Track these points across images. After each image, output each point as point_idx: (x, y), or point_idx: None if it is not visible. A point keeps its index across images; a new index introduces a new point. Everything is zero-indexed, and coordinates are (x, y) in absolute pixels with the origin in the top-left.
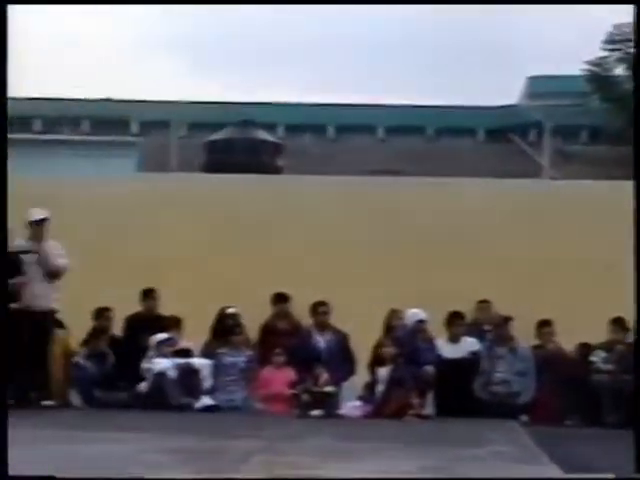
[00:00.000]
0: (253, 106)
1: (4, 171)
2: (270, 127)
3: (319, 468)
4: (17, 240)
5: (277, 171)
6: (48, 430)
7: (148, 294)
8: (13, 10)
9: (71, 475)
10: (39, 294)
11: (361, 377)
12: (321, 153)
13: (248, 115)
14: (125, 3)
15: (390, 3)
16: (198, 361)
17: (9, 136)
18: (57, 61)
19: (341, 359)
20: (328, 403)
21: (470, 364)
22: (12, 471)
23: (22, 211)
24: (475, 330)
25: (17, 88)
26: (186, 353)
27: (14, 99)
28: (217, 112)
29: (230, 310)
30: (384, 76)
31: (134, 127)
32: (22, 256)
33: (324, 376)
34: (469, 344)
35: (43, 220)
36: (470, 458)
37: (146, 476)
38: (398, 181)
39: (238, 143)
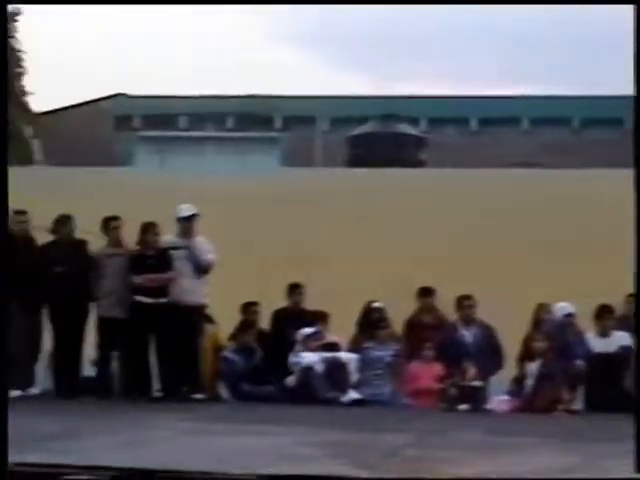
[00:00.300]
0: (396, 100)
1: (4, 171)
2: (413, 120)
3: (470, 463)
4: (167, 236)
5: (420, 164)
6: (199, 423)
7: (294, 289)
8: (175, 12)
9: (219, 469)
10: (189, 289)
11: (508, 371)
12: (464, 146)
13: (391, 109)
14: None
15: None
16: (345, 355)
17: (157, 133)
18: (201, 60)
19: (488, 353)
20: (476, 397)
21: (621, 359)
22: (165, 463)
23: (171, 208)
24: (625, 324)
25: (163, 87)
26: (333, 347)
27: (161, 97)
28: (360, 106)
29: (376, 304)
30: (528, 67)
31: (277, 122)
32: (172, 252)
33: (472, 370)
34: (620, 338)
35: (192, 216)
36: (620, 454)
37: (295, 470)
38: (542, 174)
39: (381, 137)
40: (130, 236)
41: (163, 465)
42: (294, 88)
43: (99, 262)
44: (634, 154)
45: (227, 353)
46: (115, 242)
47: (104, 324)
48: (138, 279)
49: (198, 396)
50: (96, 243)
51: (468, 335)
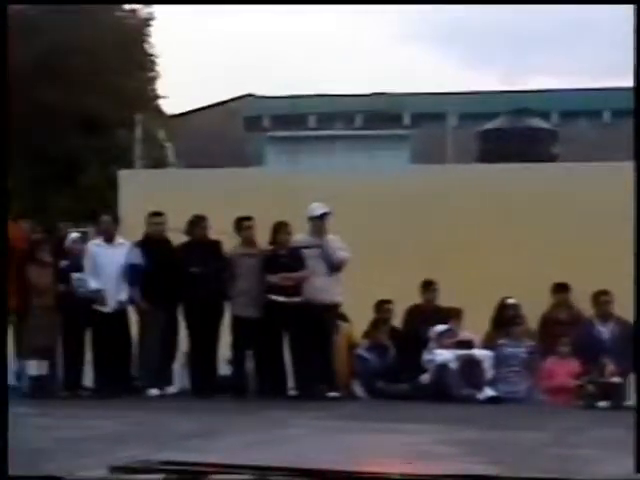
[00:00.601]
0: (526, 94)
1: (4, 171)
2: (544, 114)
3: (612, 462)
4: (299, 235)
5: (552, 159)
6: (334, 421)
7: (428, 286)
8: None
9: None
10: (322, 288)
11: None
12: (596, 139)
13: (521, 103)
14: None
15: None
16: (479, 352)
17: (287, 133)
18: (328, 59)
19: (627, 349)
20: (615, 394)
21: None
22: (299, 460)
23: (302, 207)
24: None
25: (292, 86)
26: (467, 344)
27: (290, 97)
28: (490, 101)
29: (510, 301)
30: None
31: (406, 120)
32: (304, 251)
33: (610, 367)
34: None
35: (324, 215)
36: None
37: (432, 469)
38: None
39: (512, 132)
40: (262, 236)
41: (300, 463)
42: (423, 85)
43: (233, 262)
44: (634, 153)
45: (361, 351)
46: (248, 242)
47: (238, 323)
48: (272, 278)
49: (333, 394)
50: (229, 243)
51: (605, 331)
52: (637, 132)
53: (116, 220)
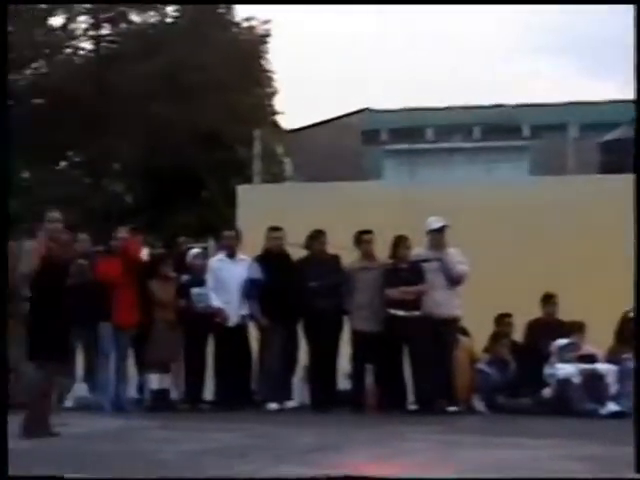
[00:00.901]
0: None
1: (5, 173)
2: None
3: None
4: (418, 249)
5: None
6: (453, 435)
7: (548, 299)
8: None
9: None
10: (441, 302)
11: None
12: None
13: None
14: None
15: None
16: (603, 366)
17: (405, 146)
18: (444, 70)
19: None
20: None
21: None
22: (419, 474)
23: (422, 220)
24: None
25: (410, 99)
26: (590, 358)
27: (407, 110)
28: (611, 111)
29: (633, 314)
30: None
31: (525, 131)
32: (423, 264)
33: None
34: None
35: (442, 228)
36: None
37: None
38: None
39: (633, 142)
40: (380, 249)
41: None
42: (542, 96)
43: (352, 276)
44: (634, 156)
45: (482, 365)
46: (367, 255)
47: (358, 337)
48: (392, 292)
49: (452, 408)
50: (348, 257)
51: None
52: (637, 137)
53: (238, 235)
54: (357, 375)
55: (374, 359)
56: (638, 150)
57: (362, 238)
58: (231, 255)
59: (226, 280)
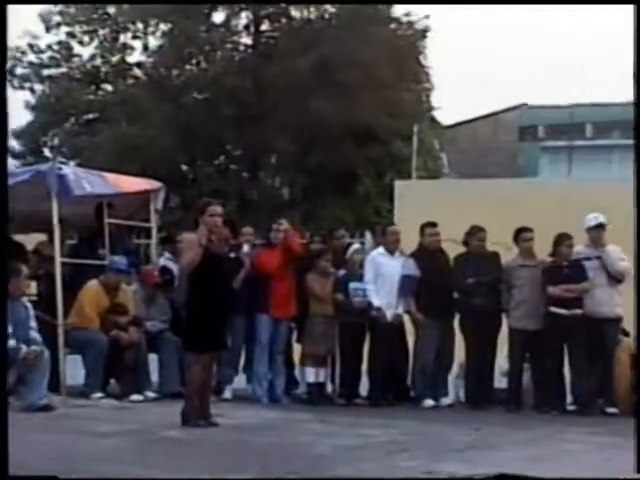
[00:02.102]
0: None
1: (4, 171)
2: None
3: None
4: (578, 246)
5: None
6: (611, 437)
7: None
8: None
9: None
10: (602, 300)
11: None
12: None
13: None
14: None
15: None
16: None
17: (563, 143)
18: (603, 64)
19: None
20: None
21: None
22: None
23: (579, 217)
24: None
25: (568, 95)
26: None
27: (565, 106)
28: None
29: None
30: None
31: None
32: (584, 263)
33: None
34: None
35: (601, 225)
36: None
37: None
38: None
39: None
40: (537, 247)
41: None
42: None
43: (511, 273)
44: (634, 156)
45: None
46: (527, 253)
47: (516, 335)
48: (554, 290)
49: (611, 410)
50: (504, 255)
51: None
52: (637, 138)
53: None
54: (514, 373)
55: (532, 357)
56: (638, 151)
57: (522, 236)
58: (392, 251)
59: (385, 276)
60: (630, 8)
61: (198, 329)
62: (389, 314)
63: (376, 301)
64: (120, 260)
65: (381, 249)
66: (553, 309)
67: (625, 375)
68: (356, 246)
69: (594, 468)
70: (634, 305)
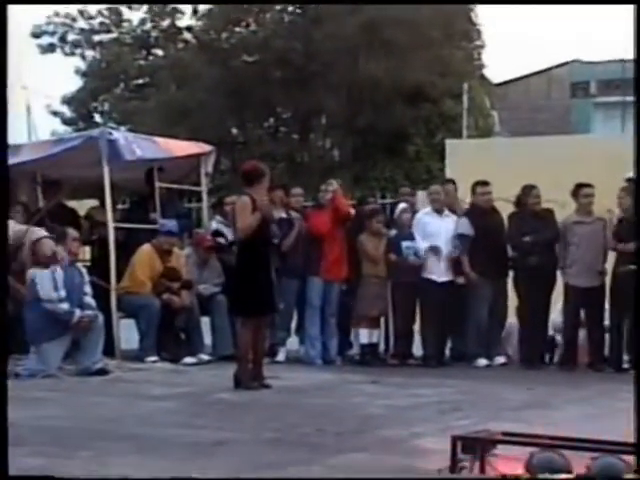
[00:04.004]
0: None
1: (4, 168)
2: None
3: None
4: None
5: None
6: None
7: None
8: None
9: None
10: None
11: None
12: None
13: None
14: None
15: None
16: None
17: (615, 99)
18: None
19: None
20: None
21: None
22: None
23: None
24: None
25: (621, 50)
26: None
27: (617, 61)
28: None
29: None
30: None
31: None
32: None
33: None
34: None
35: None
36: None
37: None
38: None
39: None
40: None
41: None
42: None
43: (568, 230)
44: (634, 154)
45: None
46: (585, 210)
47: (571, 292)
48: (623, 247)
49: None
50: (560, 212)
51: None
52: (637, 136)
53: (448, 191)
54: (569, 331)
55: (588, 315)
56: (638, 147)
57: (582, 192)
58: (438, 210)
59: (433, 235)
60: (630, 8)
61: (245, 293)
62: (440, 273)
63: (422, 247)
64: (170, 222)
65: (427, 209)
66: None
67: None
68: (402, 205)
69: None
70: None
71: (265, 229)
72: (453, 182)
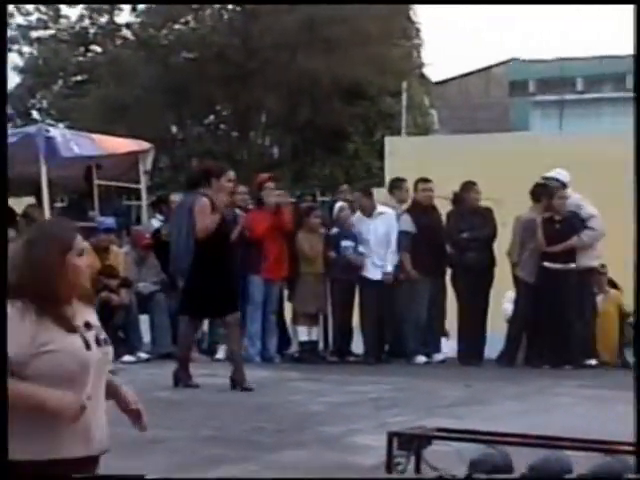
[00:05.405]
0: None
1: (4, 166)
2: None
3: None
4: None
5: None
6: (601, 390)
7: None
8: None
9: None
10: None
11: None
12: None
13: None
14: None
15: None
16: None
17: (553, 97)
18: (593, 17)
19: None
20: None
21: None
22: (567, 429)
23: (570, 171)
24: None
25: (558, 49)
26: None
27: (556, 60)
28: None
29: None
30: None
31: None
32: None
33: None
34: None
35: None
36: None
37: None
38: None
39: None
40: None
41: (568, 432)
42: None
43: (525, 227)
44: (634, 152)
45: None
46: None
47: (522, 287)
48: (552, 247)
49: (591, 362)
50: (496, 209)
51: None
52: (637, 135)
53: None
54: (515, 328)
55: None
56: (638, 147)
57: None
58: (363, 212)
59: (363, 234)
60: (630, 8)
61: (198, 294)
62: (377, 271)
63: (360, 249)
64: (109, 220)
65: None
66: (547, 264)
67: (612, 328)
68: (340, 204)
69: (581, 420)
70: (634, 301)
71: (223, 231)
72: (404, 180)
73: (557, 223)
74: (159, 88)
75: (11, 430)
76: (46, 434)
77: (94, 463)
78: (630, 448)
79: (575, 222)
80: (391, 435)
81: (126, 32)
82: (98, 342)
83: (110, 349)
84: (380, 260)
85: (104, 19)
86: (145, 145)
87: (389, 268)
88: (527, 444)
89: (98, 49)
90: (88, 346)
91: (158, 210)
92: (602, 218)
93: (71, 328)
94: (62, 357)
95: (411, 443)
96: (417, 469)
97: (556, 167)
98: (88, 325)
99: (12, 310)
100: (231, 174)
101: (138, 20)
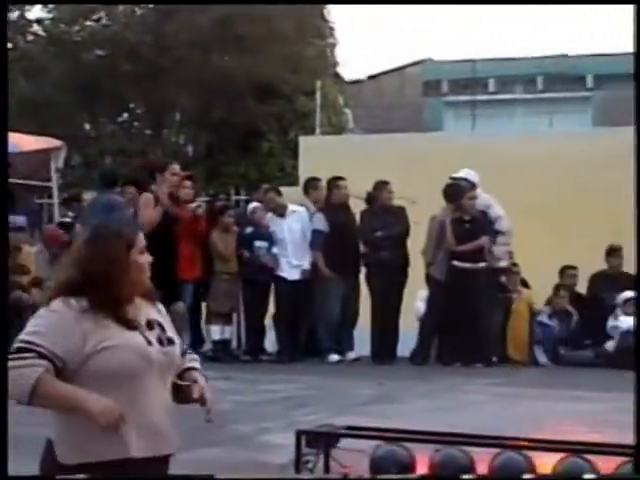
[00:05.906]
0: None
1: (4, 163)
2: None
3: None
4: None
5: None
6: (513, 388)
7: (613, 252)
8: None
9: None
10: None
11: None
12: None
13: None
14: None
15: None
16: None
17: (466, 97)
18: (505, 19)
19: None
20: None
21: None
22: (477, 426)
23: (483, 171)
24: None
25: (471, 50)
26: None
27: (468, 61)
28: None
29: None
30: None
31: (589, 81)
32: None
33: None
34: None
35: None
36: None
37: (610, 436)
38: None
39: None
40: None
41: (479, 430)
42: (605, 46)
43: (441, 226)
44: (635, 150)
45: (543, 317)
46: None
47: (435, 286)
48: (460, 247)
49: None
50: (410, 208)
51: None
52: (637, 134)
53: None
54: (428, 326)
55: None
56: (638, 147)
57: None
58: (275, 211)
59: (277, 234)
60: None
61: None
62: (292, 269)
63: (273, 250)
64: (20, 218)
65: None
66: (456, 263)
67: (524, 326)
68: (254, 204)
69: (492, 417)
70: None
71: (168, 225)
72: (319, 180)
73: (466, 223)
74: (71, 85)
75: (73, 433)
76: (109, 434)
77: (164, 463)
78: (526, 443)
79: (484, 222)
80: (299, 433)
81: (37, 28)
82: (161, 341)
83: (174, 349)
84: (296, 259)
85: (15, 14)
86: (56, 142)
87: (307, 266)
88: (433, 441)
89: (8, 45)
90: (150, 343)
91: (70, 208)
92: (511, 218)
93: (132, 326)
94: (122, 352)
95: (319, 441)
96: (326, 467)
97: (469, 167)
98: (150, 324)
99: (65, 308)
100: (176, 168)
101: (50, 16)
